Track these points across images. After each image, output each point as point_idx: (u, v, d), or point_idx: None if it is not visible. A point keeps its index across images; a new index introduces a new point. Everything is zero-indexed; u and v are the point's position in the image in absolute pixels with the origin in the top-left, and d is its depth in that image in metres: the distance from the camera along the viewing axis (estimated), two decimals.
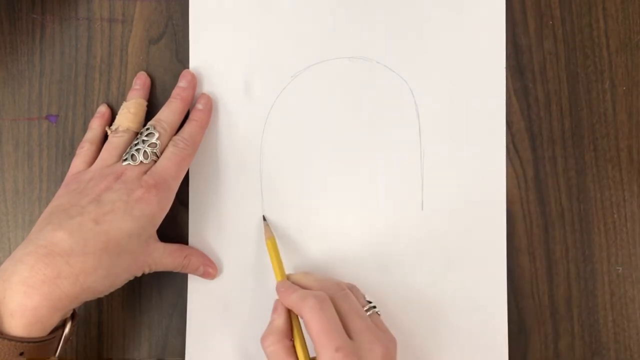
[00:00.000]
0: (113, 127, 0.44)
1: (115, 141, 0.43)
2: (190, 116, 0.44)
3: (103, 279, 0.37)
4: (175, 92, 0.44)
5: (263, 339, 0.38)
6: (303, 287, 0.40)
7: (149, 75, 0.46)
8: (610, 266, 0.45)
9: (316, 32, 0.46)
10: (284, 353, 0.37)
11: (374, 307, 0.39)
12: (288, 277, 0.42)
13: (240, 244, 0.45)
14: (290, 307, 0.39)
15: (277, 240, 0.44)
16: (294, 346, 0.38)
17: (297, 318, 0.39)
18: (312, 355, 0.38)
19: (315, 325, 0.36)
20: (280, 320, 0.39)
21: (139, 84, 0.45)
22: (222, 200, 0.45)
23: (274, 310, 0.40)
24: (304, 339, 0.38)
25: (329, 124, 0.45)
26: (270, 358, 0.38)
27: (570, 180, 0.45)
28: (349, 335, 0.36)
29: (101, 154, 0.42)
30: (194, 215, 0.45)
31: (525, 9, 0.46)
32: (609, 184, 0.45)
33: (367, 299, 0.40)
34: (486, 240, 0.45)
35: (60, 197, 0.40)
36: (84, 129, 0.45)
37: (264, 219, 0.45)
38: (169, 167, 0.41)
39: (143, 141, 0.41)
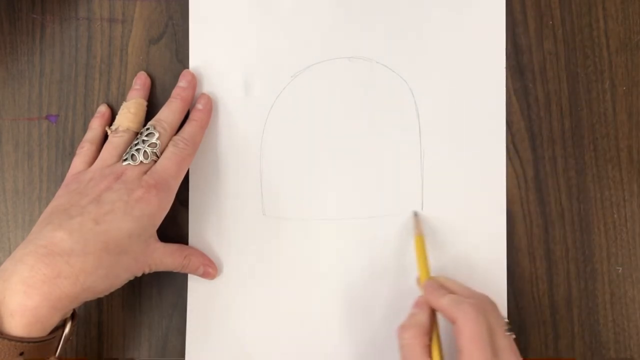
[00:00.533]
0: (113, 127, 0.44)
1: (115, 141, 0.43)
2: (190, 116, 0.44)
3: (103, 279, 0.37)
4: (175, 92, 0.44)
5: (403, 329, 0.38)
6: (449, 291, 0.39)
7: (149, 75, 0.46)
8: (610, 266, 0.45)
9: (316, 32, 0.46)
10: (420, 349, 0.37)
11: (512, 329, 0.38)
12: (435, 279, 0.41)
13: (240, 244, 0.45)
14: (439, 309, 0.38)
15: (277, 239, 0.44)
16: (429, 346, 0.38)
17: (437, 321, 0.39)
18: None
19: (469, 333, 0.35)
20: (424, 317, 0.39)
21: (139, 84, 0.45)
22: (222, 200, 0.45)
23: (417, 305, 0.40)
24: (440, 341, 0.38)
25: (329, 124, 0.45)
26: (404, 350, 0.37)
27: (570, 180, 0.45)
28: (492, 350, 0.35)
29: (101, 154, 0.42)
30: (194, 215, 0.45)
31: (525, 9, 0.46)
32: (609, 184, 0.45)
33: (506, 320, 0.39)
34: (486, 240, 0.45)
35: (60, 197, 0.40)
36: (84, 129, 0.45)
37: (416, 215, 0.44)
38: (169, 167, 0.41)
39: (143, 141, 0.41)
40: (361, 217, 0.45)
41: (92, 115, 0.45)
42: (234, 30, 0.46)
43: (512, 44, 0.45)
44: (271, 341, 0.45)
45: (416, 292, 0.42)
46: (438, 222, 0.45)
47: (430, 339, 0.38)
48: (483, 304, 0.38)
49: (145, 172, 0.40)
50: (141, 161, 0.41)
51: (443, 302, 0.38)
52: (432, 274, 0.42)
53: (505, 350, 0.36)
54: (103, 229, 0.37)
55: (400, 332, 0.38)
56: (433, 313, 0.39)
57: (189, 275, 0.45)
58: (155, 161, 0.41)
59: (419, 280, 0.42)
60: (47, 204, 0.40)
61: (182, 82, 0.44)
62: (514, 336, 0.37)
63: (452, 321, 0.37)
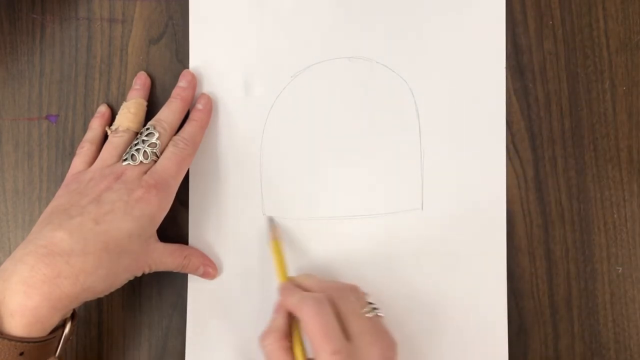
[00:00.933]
0: (113, 127, 0.44)
1: (115, 141, 0.43)
2: (190, 116, 0.44)
3: (103, 279, 0.37)
4: (175, 92, 0.44)
5: (262, 338, 0.38)
6: (305, 289, 0.39)
7: (149, 75, 0.46)
8: (610, 266, 0.45)
9: (316, 32, 0.46)
10: (282, 353, 0.37)
11: (376, 308, 0.39)
12: (291, 280, 0.42)
13: (240, 244, 0.45)
14: (289, 309, 0.38)
15: (282, 241, 0.44)
16: (291, 348, 0.38)
17: (297, 321, 0.39)
18: (309, 356, 0.38)
19: (313, 328, 0.35)
20: (280, 321, 0.39)
21: (139, 84, 0.45)
22: (222, 200, 0.45)
23: (275, 310, 0.40)
24: (302, 340, 0.38)
25: (329, 124, 0.45)
26: (268, 357, 0.37)
27: (570, 180, 0.45)
28: (347, 337, 0.36)
29: (101, 154, 0.42)
30: (194, 215, 0.45)
31: (525, 9, 0.46)
32: (609, 184, 0.45)
33: (369, 300, 0.40)
34: (486, 241, 0.45)
35: (60, 197, 0.40)
36: (84, 129, 0.45)
37: (271, 220, 0.45)
38: (169, 167, 0.41)
39: (143, 141, 0.41)
40: (361, 216, 0.45)
41: (92, 115, 0.45)
42: (234, 30, 0.46)
43: (512, 44, 0.45)
44: None
45: (413, 287, 0.42)
46: (438, 222, 0.45)
47: (292, 341, 0.38)
48: (332, 293, 0.38)
49: (145, 172, 0.41)
50: (141, 161, 0.41)
51: (291, 301, 0.38)
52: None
53: (362, 334, 0.36)
54: (103, 229, 0.37)
55: (261, 340, 0.38)
56: (291, 315, 0.39)
57: (189, 275, 0.45)
58: (155, 161, 0.41)
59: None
60: (47, 204, 0.40)
61: (182, 82, 0.44)
62: (380, 314, 0.38)
63: (300, 318, 0.37)
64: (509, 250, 0.45)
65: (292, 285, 0.40)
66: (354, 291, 0.40)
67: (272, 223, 0.45)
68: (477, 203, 0.45)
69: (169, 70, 0.46)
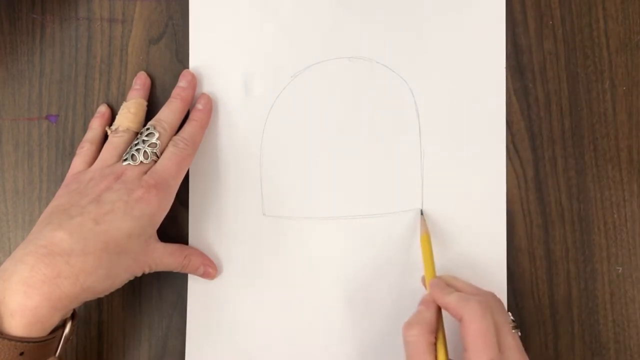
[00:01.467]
0: (113, 127, 0.44)
1: (115, 141, 0.43)
2: (190, 116, 0.44)
3: (103, 279, 0.37)
4: (175, 92, 0.44)
5: (408, 326, 0.38)
6: (456, 290, 0.39)
7: (149, 75, 0.46)
8: (610, 266, 0.45)
9: (316, 32, 0.46)
10: (425, 347, 0.37)
11: (517, 327, 0.38)
12: (441, 278, 0.41)
13: (240, 244, 0.45)
14: (446, 306, 0.38)
15: (277, 239, 0.44)
16: (434, 344, 0.38)
17: (442, 319, 0.39)
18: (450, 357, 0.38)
19: (475, 330, 0.35)
20: (430, 315, 0.38)
21: (139, 84, 0.45)
22: (222, 200, 0.45)
23: (424, 303, 0.39)
24: (446, 340, 0.38)
25: (328, 124, 0.45)
26: (410, 347, 0.37)
27: (570, 180, 0.45)
28: (499, 348, 0.35)
29: (101, 154, 0.42)
30: (194, 215, 0.45)
31: (525, 9, 0.46)
32: (609, 184, 0.45)
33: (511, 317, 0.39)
34: (486, 240, 0.45)
35: (60, 197, 0.40)
36: (84, 129, 0.45)
37: (422, 214, 0.44)
38: (169, 167, 0.41)
39: (143, 141, 0.41)
40: (361, 216, 0.45)
41: (92, 115, 0.45)
42: (234, 30, 0.46)
43: (512, 44, 0.45)
44: (271, 341, 0.45)
45: (418, 291, 0.42)
46: (438, 222, 0.45)
47: (436, 337, 0.38)
48: (489, 301, 0.38)
49: (145, 172, 0.41)
50: (141, 161, 0.41)
51: (449, 299, 0.38)
52: (437, 273, 0.42)
53: (512, 348, 0.36)
54: (103, 229, 0.37)
55: (406, 329, 0.38)
56: (439, 311, 0.39)
57: (189, 275, 0.45)
58: (156, 161, 0.41)
59: (424, 279, 0.42)
60: (47, 204, 0.40)
61: (182, 82, 0.44)
62: (519, 334, 0.37)
63: (459, 318, 0.37)
64: (509, 250, 0.45)
65: (445, 283, 0.40)
66: (502, 304, 0.39)
67: (423, 216, 0.44)
68: (477, 203, 0.45)
69: (169, 70, 0.46)
